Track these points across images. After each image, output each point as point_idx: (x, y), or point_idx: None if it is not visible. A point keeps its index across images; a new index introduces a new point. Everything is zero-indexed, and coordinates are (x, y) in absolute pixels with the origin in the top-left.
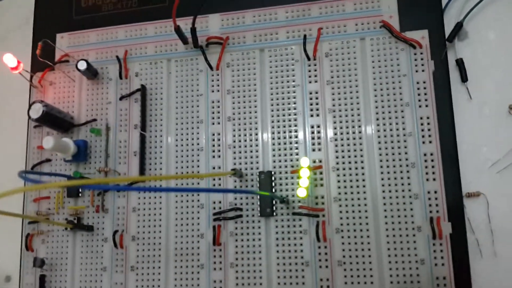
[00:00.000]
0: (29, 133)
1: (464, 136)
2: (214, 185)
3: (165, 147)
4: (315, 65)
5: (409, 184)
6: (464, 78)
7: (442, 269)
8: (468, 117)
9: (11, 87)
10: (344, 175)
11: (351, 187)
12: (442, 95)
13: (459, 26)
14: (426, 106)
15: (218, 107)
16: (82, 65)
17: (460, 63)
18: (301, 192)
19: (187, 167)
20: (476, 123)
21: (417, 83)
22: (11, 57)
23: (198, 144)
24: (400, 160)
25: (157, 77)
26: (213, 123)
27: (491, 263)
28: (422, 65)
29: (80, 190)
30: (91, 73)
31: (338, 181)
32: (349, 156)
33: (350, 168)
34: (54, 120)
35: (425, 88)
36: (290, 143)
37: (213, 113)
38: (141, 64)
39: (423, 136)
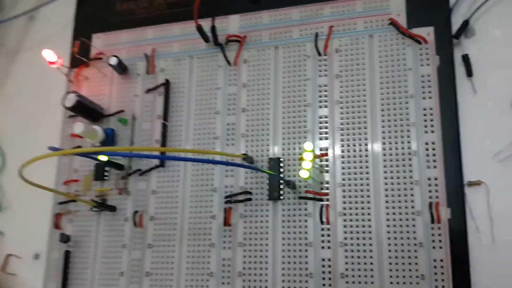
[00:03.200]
0: (63, 122)
1: (468, 128)
2: (226, 170)
3: (184, 135)
4: (325, 60)
5: (410, 171)
6: (469, 73)
7: (439, 252)
8: (472, 110)
9: (51, 82)
10: (349, 162)
11: (355, 173)
12: (447, 89)
13: (466, 24)
14: (430, 98)
15: (234, 99)
16: (113, 61)
17: (466, 58)
18: (304, 174)
19: (204, 154)
20: (479, 116)
21: (422, 76)
22: (51, 52)
23: (214, 133)
24: (403, 148)
25: (180, 73)
26: (229, 114)
27: (490, 249)
28: (427, 59)
29: (105, 174)
30: (121, 68)
31: (343, 168)
32: (354, 145)
33: (354, 156)
34: (85, 109)
35: (429, 81)
36: (299, 132)
37: (229, 104)
38: (166, 61)
39: (425, 126)
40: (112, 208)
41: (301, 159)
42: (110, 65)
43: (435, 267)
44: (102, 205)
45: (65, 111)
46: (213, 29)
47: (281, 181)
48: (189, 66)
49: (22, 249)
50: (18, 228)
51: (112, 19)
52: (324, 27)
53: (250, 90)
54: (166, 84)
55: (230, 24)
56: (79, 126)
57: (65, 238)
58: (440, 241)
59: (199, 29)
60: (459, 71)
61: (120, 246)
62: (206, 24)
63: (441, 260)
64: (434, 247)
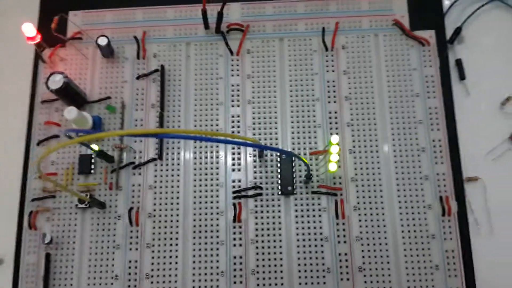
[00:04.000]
0: (34, 109)
1: (464, 127)
2: (233, 164)
3: (183, 127)
4: (332, 55)
5: (419, 167)
6: (462, 76)
7: (450, 243)
8: (466, 110)
9: (11, 62)
10: (360, 157)
11: (367, 168)
12: (444, 90)
13: (458, 30)
14: (434, 97)
15: (238, 90)
16: (103, 41)
17: (459, 63)
18: (332, 167)
19: (206, 147)
20: (473, 116)
21: (426, 76)
22: (31, 26)
23: (217, 125)
24: (411, 145)
25: (175, 59)
26: (233, 106)
27: (489, 239)
28: (430, 61)
29: (92, 167)
30: (110, 50)
31: (355, 163)
32: (364, 140)
33: (365, 151)
34: (72, 93)
35: (433, 81)
36: (309, 127)
37: (232, 96)
38: (159, 46)
39: (431, 124)
40: (102, 205)
41: (313, 153)
42: (99, 45)
43: (447, 257)
44: (94, 202)
45: (37, 95)
46: (220, 15)
47: (306, 172)
48: (185, 53)
49: None
50: None
51: None
52: (330, 22)
53: (255, 81)
54: (162, 70)
55: (231, 12)
56: (72, 111)
57: (48, 239)
58: (450, 232)
59: (204, 13)
60: (454, 74)
61: (113, 247)
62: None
63: (452, 251)
64: (445, 239)
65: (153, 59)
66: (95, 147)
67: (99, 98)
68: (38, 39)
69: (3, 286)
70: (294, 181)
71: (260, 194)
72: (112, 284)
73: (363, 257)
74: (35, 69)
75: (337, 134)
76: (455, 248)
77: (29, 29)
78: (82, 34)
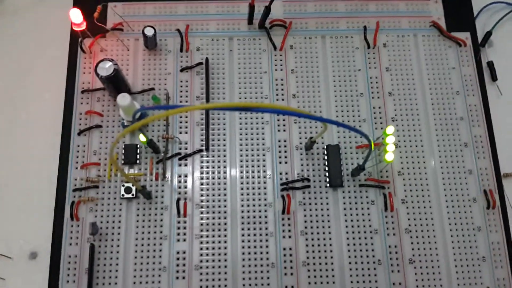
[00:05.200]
0: (74, 98)
1: (499, 126)
2: (280, 157)
3: (228, 120)
4: (374, 53)
5: (463, 161)
6: (494, 78)
7: (496, 235)
8: (500, 110)
9: (46, 51)
10: (406, 151)
11: (413, 162)
12: (481, 89)
13: (489, 35)
14: (473, 95)
15: (282, 85)
16: (150, 31)
17: (490, 65)
18: (389, 156)
19: (252, 139)
20: (507, 115)
21: (464, 75)
22: (78, 12)
23: (262, 118)
24: (454, 140)
25: (218, 53)
26: (277, 99)
27: None
28: (468, 61)
29: (137, 157)
30: (155, 42)
31: (401, 157)
32: (409, 135)
33: (411, 146)
34: (120, 82)
35: (471, 80)
36: (354, 121)
37: (277, 90)
38: (202, 40)
39: (472, 121)
40: (149, 195)
41: (359, 147)
42: (145, 36)
43: (493, 249)
44: (143, 192)
45: (77, 85)
46: (267, 11)
47: (360, 164)
48: (228, 47)
49: (12, 247)
50: (6, 222)
51: None
52: (370, 21)
53: (299, 76)
54: (206, 63)
55: (273, 9)
56: (125, 97)
57: (95, 229)
58: (495, 225)
59: (252, 8)
60: (487, 75)
61: (160, 238)
62: (245, 3)
63: (498, 243)
64: (491, 231)
65: (196, 52)
66: (143, 138)
67: (143, 89)
68: (84, 26)
69: (38, 281)
70: (342, 174)
71: (308, 187)
72: (159, 275)
73: (413, 249)
74: (70, 58)
75: (381, 128)
76: (501, 240)
77: (76, 15)
78: (123, 25)
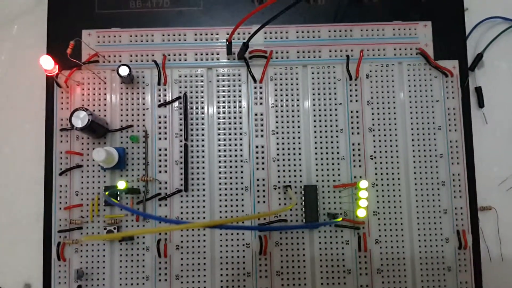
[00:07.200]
0: (55, 136)
1: (481, 156)
2: (258, 196)
3: (207, 157)
4: (356, 85)
5: (439, 200)
6: (481, 104)
7: (465, 275)
8: (484, 139)
9: (25, 87)
10: (383, 190)
11: (389, 201)
12: (465, 119)
13: (480, 57)
14: (455, 130)
15: (262, 120)
16: (124, 71)
17: (478, 90)
18: (361, 213)
19: (231, 178)
20: (490, 145)
21: (448, 109)
22: (49, 59)
23: (241, 156)
24: (432, 179)
25: (197, 85)
26: (257, 136)
27: (499, 266)
28: (453, 92)
29: (118, 198)
30: (130, 78)
31: (377, 196)
32: (387, 173)
33: (388, 185)
34: (96, 128)
35: (454, 114)
36: (332, 158)
37: (256, 125)
38: (180, 71)
39: (451, 158)
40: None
41: (336, 186)
42: (120, 75)
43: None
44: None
45: (55, 121)
46: (245, 46)
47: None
48: (207, 78)
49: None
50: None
51: (99, 11)
52: (354, 49)
53: (279, 110)
54: (185, 99)
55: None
56: (100, 153)
57: (80, 274)
58: (465, 265)
59: (229, 44)
60: (473, 100)
61: (142, 278)
62: (223, 32)
63: (466, 282)
64: (460, 271)
65: (174, 85)
66: (122, 185)
67: (121, 127)
68: (56, 70)
69: None
70: (319, 214)
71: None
72: None
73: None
74: (47, 93)
75: (360, 166)
76: (469, 279)
77: (47, 62)
78: (99, 57)
